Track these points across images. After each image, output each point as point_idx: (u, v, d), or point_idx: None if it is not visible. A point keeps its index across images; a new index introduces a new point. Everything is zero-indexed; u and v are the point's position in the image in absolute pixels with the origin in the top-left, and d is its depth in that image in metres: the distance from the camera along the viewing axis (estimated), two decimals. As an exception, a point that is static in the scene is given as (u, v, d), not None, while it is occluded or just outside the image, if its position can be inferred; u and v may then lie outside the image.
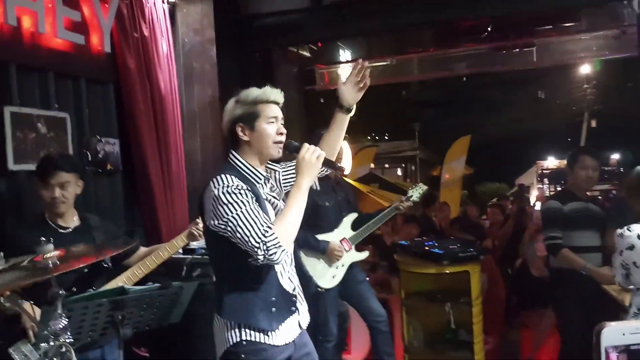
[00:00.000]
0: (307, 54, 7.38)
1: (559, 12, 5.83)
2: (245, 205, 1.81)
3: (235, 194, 1.82)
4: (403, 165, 18.94)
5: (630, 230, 2.44)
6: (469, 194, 14.19)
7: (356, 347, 4.44)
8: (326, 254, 3.38)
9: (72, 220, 2.49)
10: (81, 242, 2.31)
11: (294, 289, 2.05)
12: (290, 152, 1.99)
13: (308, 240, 3.39)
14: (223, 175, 1.85)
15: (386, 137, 19.36)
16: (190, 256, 3.15)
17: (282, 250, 1.78)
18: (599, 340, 0.92)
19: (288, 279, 2.02)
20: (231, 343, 1.90)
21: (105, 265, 2.54)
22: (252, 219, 1.78)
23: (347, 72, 8.05)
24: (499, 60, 6.87)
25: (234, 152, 2.00)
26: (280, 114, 2.01)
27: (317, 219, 3.41)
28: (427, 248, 3.92)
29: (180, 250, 2.83)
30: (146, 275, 2.63)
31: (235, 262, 1.88)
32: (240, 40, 4.44)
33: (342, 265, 3.45)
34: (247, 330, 1.90)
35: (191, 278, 3.01)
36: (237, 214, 1.79)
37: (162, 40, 3.89)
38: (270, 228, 1.78)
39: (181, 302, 2.32)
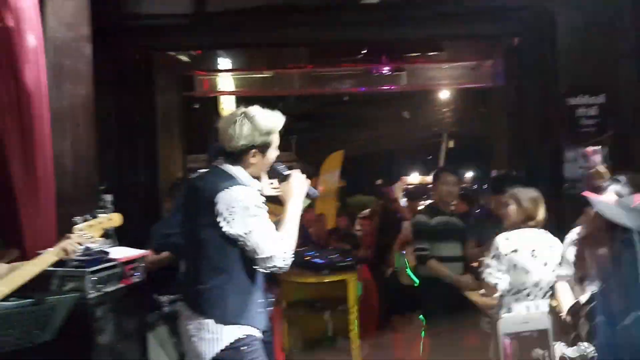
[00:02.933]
0: (186, 59, 7.20)
1: (426, 42, 6.39)
2: (263, 216, 2.02)
3: (256, 205, 2.01)
4: (279, 176, 19.05)
5: (515, 236, 2.75)
6: (341, 205, 14.75)
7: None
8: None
9: None
10: None
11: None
12: (281, 180, 2.25)
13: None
14: (241, 186, 2.03)
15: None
16: (60, 268, 2.90)
17: (291, 259, 2.03)
18: (497, 330, 1.08)
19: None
20: (231, 341, 2.03)
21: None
22: (270, 230, 2.00)
23: (227, 80, 7.91)
24: (372, 80, 7.32)
25: (235, 167, 2.12)
26: None
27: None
28: (307, 258, 4.04)
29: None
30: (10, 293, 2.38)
31: (239, 268, 2.05)
32: (119, 39, 4.22)
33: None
34: (246, 327, 2.06)
35: (62, 292, 2.77)
36: (257, 225, 1.97)
37: (30, 34, 3.56)
38: (283, 239, 2.01)
39: (55, 318, 2.15)
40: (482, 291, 3.31)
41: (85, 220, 2.69)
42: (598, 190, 2.91)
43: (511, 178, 3.79)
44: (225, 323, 2.03)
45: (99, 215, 2.76)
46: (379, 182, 7.96)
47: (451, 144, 19.65)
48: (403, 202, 6.94)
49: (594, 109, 3.78)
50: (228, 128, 2.09)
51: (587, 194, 1.38)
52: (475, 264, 3.93)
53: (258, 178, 2.23)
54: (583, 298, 1.63)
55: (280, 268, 1.99)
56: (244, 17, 4.18)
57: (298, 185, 2.20)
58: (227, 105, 8.67)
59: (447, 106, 17.83)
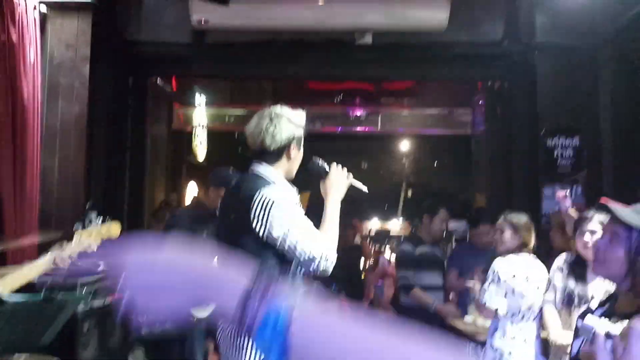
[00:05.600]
0: (168, 90, 7.26)
1: (403, 87, 6.70)
2: (302, 218, 1.89)
3: (293, 207, 1.90)
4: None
5: (512, 261, 2.83)
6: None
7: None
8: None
9: None
10: None
11: None
12: (321, 173, 2.08)
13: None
14: (276, 188, 1.93)
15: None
16: (49, 277, 2.82)
17: (333, 260, 1.89)
18: None
19: None
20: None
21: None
22: (313, 231, 1.88)
23: (201, 114, 7.91)
24: (348, 122, 7.54)
25: (271, 169, 2.02)
26: None
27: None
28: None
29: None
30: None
31: (280, 277, 1.91)
32: (116, 63, 4.28)
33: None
34: None
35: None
36: (298, 226, 1.85)
37: (31, 49, 3.60)
38: (323, 239, 1.89)
39: (61, 319, 2.11)
40: (468, 318, 3.42)
41: (84, 228, 2.66)
42: (575, 225, 3.11)
43: (492, 211, 3.99)
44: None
45: (98, 223, 2.74)
46: None
47: (409, 193, 20.21)
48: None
49: (569, 150, 4.03)
50: (263, 128, 1.99)
51: (606, 200, 1.53)
52: (453, 294, 4.06)
53: (291, 180, 2.09)
54: (593, 304, 1.73)
55: (324, 270, 1.86)
56: (241, 50, 4.31)
57: (338, 181, 2.06)
58: (200, 139, 8.69)
59: (407, 156, 18.43)
